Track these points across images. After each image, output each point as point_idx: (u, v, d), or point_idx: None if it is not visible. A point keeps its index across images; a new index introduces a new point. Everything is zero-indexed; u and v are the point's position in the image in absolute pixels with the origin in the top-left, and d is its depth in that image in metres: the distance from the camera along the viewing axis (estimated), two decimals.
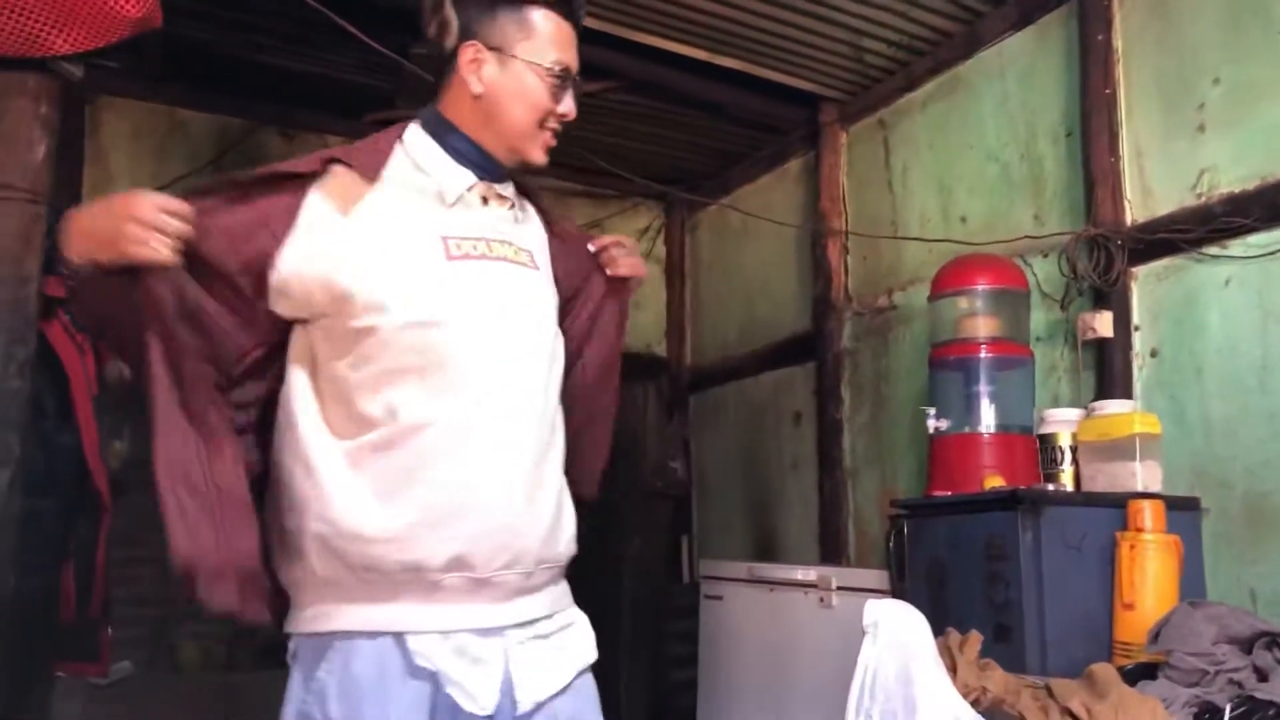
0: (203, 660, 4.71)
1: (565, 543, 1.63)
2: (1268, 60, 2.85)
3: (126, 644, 4.38)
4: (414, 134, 1.65)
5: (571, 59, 1.66)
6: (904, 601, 2.40)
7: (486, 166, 1.65)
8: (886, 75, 4.27)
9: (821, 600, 3.28)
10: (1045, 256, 3.42)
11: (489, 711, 1.47)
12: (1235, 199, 2.90)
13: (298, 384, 1.51)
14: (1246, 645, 2.13)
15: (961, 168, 3.89)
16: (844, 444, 4.37)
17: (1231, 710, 1.96)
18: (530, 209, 1.78)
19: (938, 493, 3.00)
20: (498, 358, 1.53)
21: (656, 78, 4.40)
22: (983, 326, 3.18)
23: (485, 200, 1.65)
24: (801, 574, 3.45)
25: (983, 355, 3.15)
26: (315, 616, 1.49)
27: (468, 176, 1.63)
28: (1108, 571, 2.61)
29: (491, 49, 1.59)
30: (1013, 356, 3.21)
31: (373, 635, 1.45)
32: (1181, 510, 2.77)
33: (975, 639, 2.35)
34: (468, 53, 1.58)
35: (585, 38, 4.13)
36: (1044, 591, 2.56)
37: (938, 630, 2.45)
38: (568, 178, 5.61)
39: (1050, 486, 2.90)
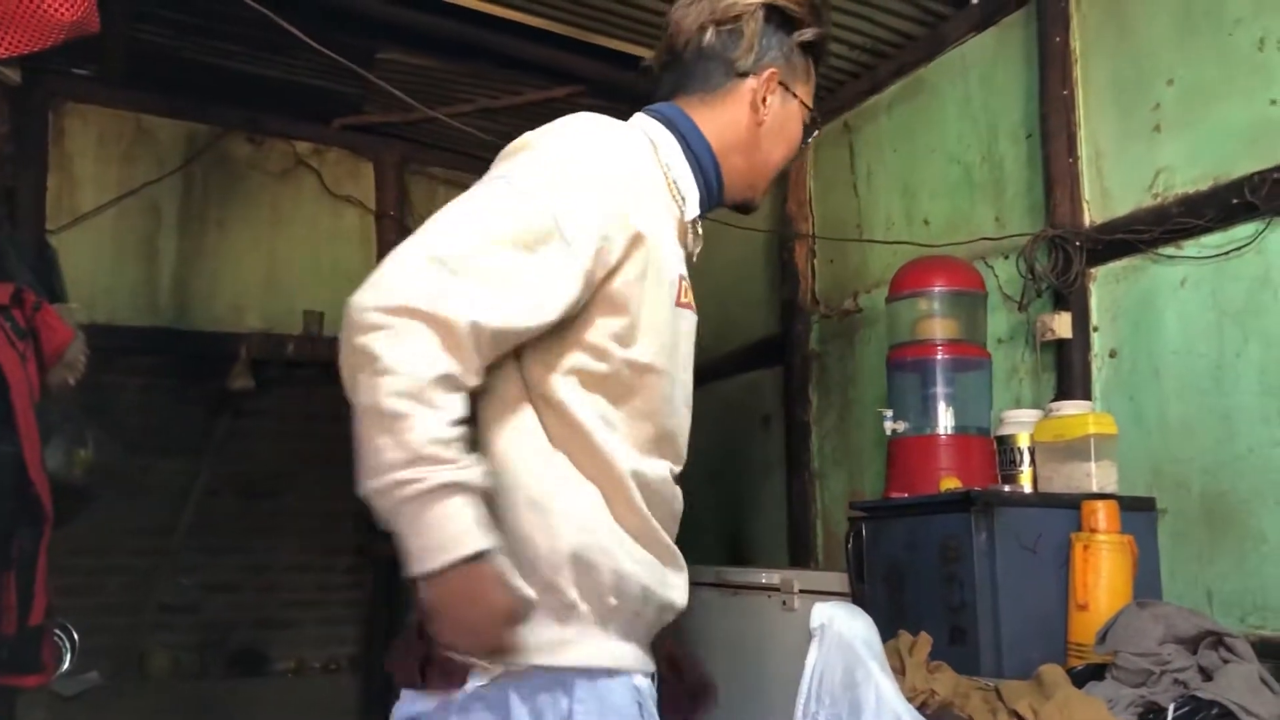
0: (173, 669, 4.70)
1: None
2: (1220, 62, 2.86)
3: (93, 653, 4.37)
4: (663, 136, 1.48)
5: None
6: (856, 604, 2.40)
7: (713, 195, 1.52)
8: (851, 78, 4.27)
9: (784, 603, 3.27)
10: (1006, 258, 3.43)
11: None
12: (1190, 200, 2.90)
13: (510, 392, 1.32)
14: (1192, 645, 2.13)
15: (925, 170, 3.90)
16: (812, 446, 4.37)
17: (1175, 710, 1.96)
18: None
19: (895, 495, 3.00)
20: (683, 413, 1.44)
21: (624, 82, 4.39)
22: (940, 328, 3.18)
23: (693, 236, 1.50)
24: (765, 577, 3.44)
25: (939, 357, 3.15)
26: (550, 646, 1.26)
27: (696, 203, 1.48)
28: (1063, 573, 2.61)
29: (781, 83, 1.51)
30: (970, 358, 3.21)
31: (612, 673, 1.29)
32: (1137, 511, 2.77)
33: (925, 641, 2.34)
34: (772, 76, 1.50)
35: (548, 41, 4.14)
36: (998, 593, 2.56)
37: (895, 632, 2.46)
38: None
39: (1008, 488, 2.90)
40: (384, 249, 5.22)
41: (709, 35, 1.48)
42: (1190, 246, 2.89)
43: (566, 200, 1.25)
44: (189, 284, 4.85)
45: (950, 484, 2.87)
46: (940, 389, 3.11)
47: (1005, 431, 3.02)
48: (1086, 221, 3.21)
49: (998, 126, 3.60)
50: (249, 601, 4.91)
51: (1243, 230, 2.75)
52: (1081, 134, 3.25)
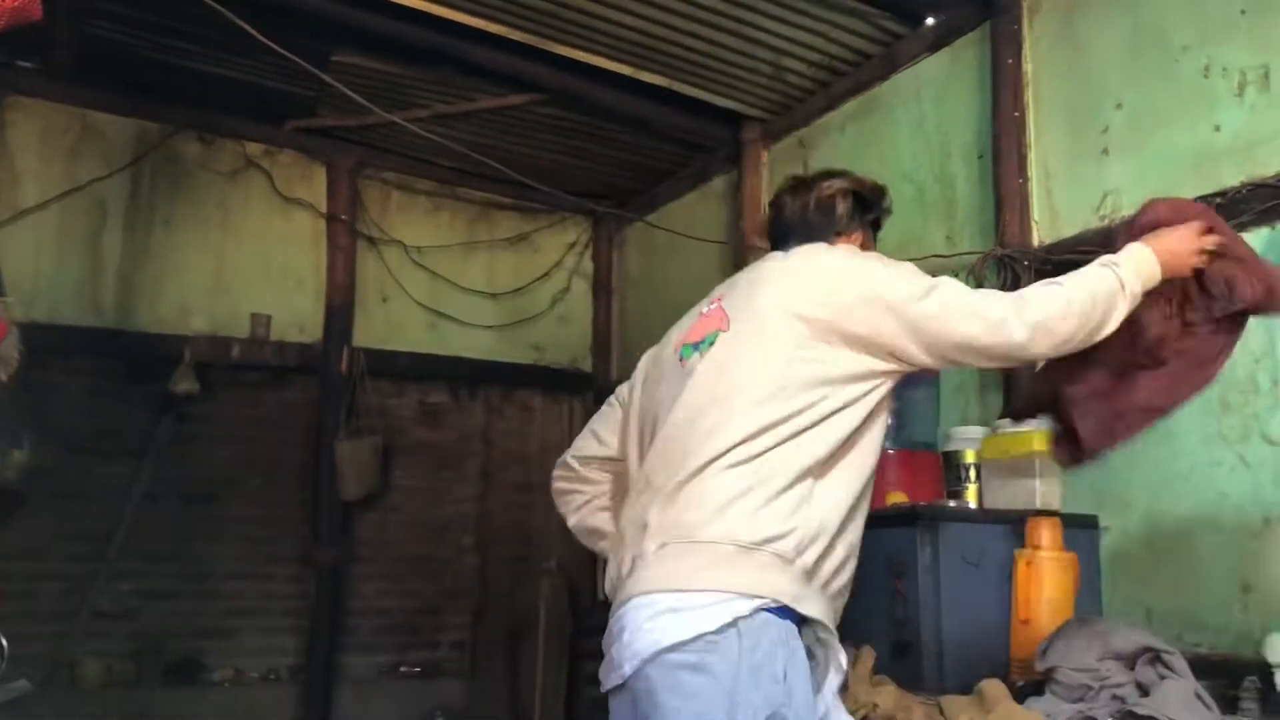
0: (106, 678, 4.57)
1: None
2: (1166, 87, 2.91)
3: (24, 661, 4.25)
4: None
5: None
6: None
7: None
8: (807, 95, 4.30)
9: None
10: (956, 276, 3.42)
11: None
12: None
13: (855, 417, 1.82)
14: (1131, 661, 2.14)
15: None
16: None
17: None
18: None
19: None
20: None
21: (581, 92, 4.39)
22: None
23: None
24: None
25: None
26: (798, 598, 1.69)
27: None
28: (1006, 588, 2.62)
29: (861, 244, 2.04)
30: (917, 374, 3.22)
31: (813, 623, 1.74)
32: (1080, 528, 2.80)
33: (868, 655, 2.34)
34: (856, 239, 2.05)
35: (509, 49, 4.12)
36: (942, 608, 2.56)
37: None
38: (495, 190, 5.58)
39: (953, 503, 2.92)
40: (335, 253, 5.17)
41: (811, 211, 2.05)
42: None
43: None
44: (133, 284, 4.75)
45: (897, 499, 2.88)
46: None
47: (952, 448, 3.04)
48: (1035, 241, 3.25)
49: (950, 146, 3.64)
50: (187, 609, 4.79)
51: None
52: (1032, 155, 3.30)
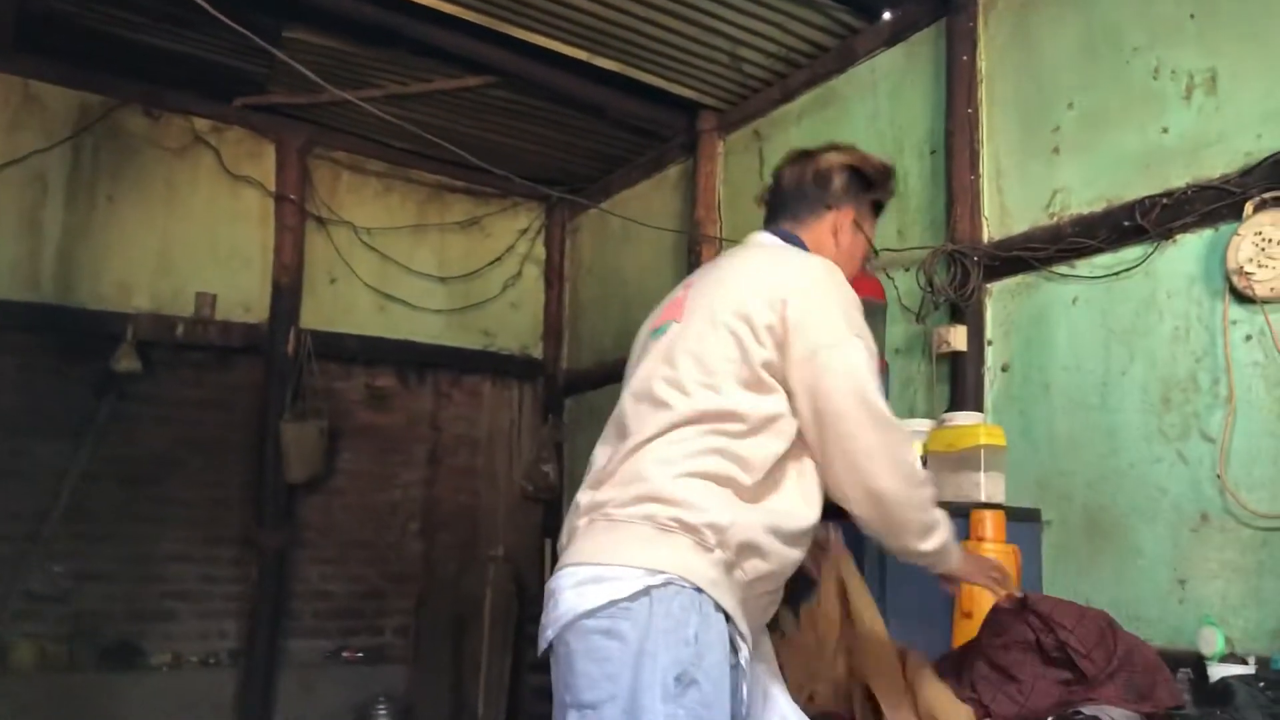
0: (39, 661, 4.48)
1: None
2: (1117, 88, 2.95)
3: None
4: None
5: None
6: None
7: None
8: (764, 86, 4.31)
9: None
10: (906, 270, 3.48)
11: None
12: (1084, 220, 2.99)
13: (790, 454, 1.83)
14: None
15: None
16: None
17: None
18: None
19: None
20: None
21: (537, 76, 4.36)
22: None
23: None
24: None
25: None
26: (714, 583, 1.70)
27: None
28: None
29: (854, 221, 2.08)
30: None
31: (719, 608, 1.72)
32: (1023, 521, 2.83)
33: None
34: (848, 214, 2.07)
35: (465, 30, 4.07)
36: (886, 599, 2.58)
37: None
38: (447, 173, 5.53)
39: None
40: (283, 233, 5.09)
41: (808, 181, 2.07)
42: (1083, 266, 2.98)
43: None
44: (74, 260, 4.64)
45: None
46: None
47: None
48: (985, 238, 3.28)
49: (903, 141, 3.66)
50: (125, 592, 4.71)
51: (1132, 252, 2.84)
52: (984, 152, 3.33)
